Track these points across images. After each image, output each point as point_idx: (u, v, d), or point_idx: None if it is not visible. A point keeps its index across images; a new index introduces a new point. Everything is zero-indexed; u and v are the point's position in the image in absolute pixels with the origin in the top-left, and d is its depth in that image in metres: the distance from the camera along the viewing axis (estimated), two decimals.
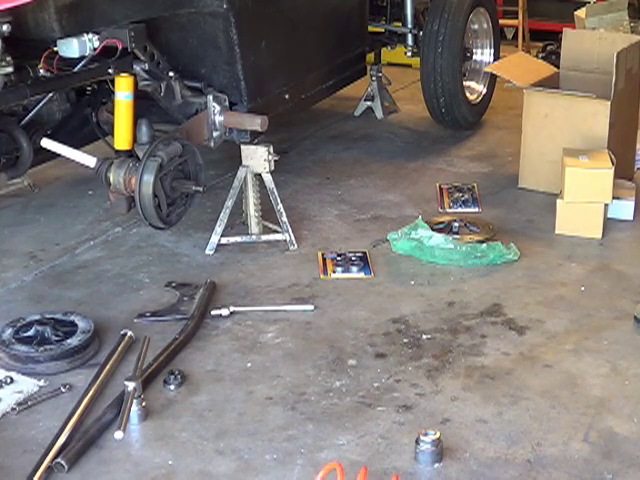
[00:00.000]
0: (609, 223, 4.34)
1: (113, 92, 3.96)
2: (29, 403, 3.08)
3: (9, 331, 3.36)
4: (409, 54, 5.82)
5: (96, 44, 3.67)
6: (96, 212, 4.61)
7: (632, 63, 4.73)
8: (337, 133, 5.73)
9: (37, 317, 3.44)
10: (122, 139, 3.92)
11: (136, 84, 3.96)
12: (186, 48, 4.18)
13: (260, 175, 4.23)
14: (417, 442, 2.80)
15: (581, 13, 5.82)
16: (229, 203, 4.19)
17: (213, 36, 4.13)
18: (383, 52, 6.09)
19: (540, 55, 6.53)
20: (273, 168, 4.21)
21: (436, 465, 2.79)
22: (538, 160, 4.74)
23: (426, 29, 5.43)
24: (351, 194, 4.82)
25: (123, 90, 3.89)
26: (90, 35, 3.65)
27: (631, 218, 4.43)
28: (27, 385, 3.16)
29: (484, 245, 4.05)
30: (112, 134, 4.04)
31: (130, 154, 3.90)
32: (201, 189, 3.92)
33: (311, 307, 3.70)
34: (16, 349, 3.28)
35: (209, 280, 3.84)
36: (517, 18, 7.30)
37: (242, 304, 3.72)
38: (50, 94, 4.15)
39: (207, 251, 4.17)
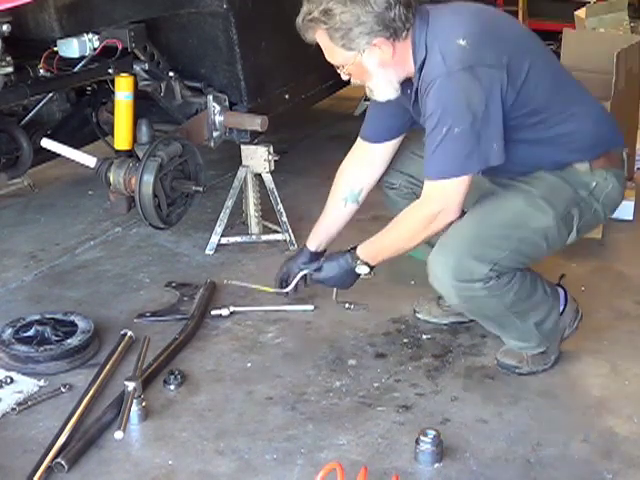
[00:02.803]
0: (609, 223, 4.31)
1: (113, 92, 3.96)
2: (29, 403, 3.07)
3: (9, 331, 3.35)
4: None
5: (96, 44, 3.66)
6: (96, 212, 4.61)
7: (632, 63, 4.71)
8: (337, 133, 5.73)
9: (37, 317, 3.43)
10: (122, 139, 3.92)
11: (136, 84, 3.96)
12: (186, 48, 4.18)
13: (260, 175, 4.23)
14: (417, 442, 2.80)
15: (581, 13, 5.81)
16: (229, 203, 4.19)
17: (213, 36, 4.12)
18: None
19: None
20: (273, 168, 4.21)
21: (436, 465, 2.78)
22: None
23: None
24: None
25: (123, 90, 3.89)
26: (90, 35, 3.65)
27: (631, 218, 4.43)
28: (27, 385, 3.16)
29: None
30: (112, 134, 4.04)
31: (130, 154, 3.90)
32: (201, 189, 3.92)
33: (311, 307, 3.70)
34: (16, 349, 3.27)
35: (209, 280, 3.84)
36: (517, 18, 7.30)
37: (242, 304, 3.72)
38: (50, 94, 4.15)
39: (207, 251, 4.17)
